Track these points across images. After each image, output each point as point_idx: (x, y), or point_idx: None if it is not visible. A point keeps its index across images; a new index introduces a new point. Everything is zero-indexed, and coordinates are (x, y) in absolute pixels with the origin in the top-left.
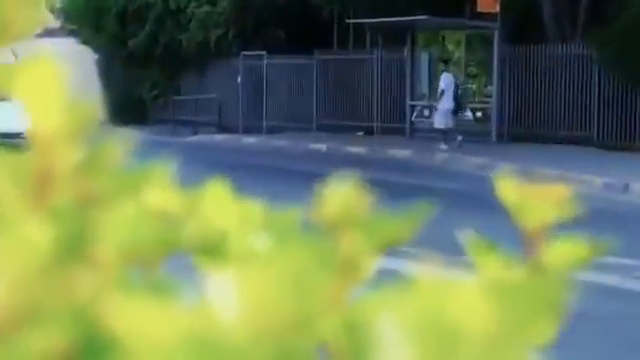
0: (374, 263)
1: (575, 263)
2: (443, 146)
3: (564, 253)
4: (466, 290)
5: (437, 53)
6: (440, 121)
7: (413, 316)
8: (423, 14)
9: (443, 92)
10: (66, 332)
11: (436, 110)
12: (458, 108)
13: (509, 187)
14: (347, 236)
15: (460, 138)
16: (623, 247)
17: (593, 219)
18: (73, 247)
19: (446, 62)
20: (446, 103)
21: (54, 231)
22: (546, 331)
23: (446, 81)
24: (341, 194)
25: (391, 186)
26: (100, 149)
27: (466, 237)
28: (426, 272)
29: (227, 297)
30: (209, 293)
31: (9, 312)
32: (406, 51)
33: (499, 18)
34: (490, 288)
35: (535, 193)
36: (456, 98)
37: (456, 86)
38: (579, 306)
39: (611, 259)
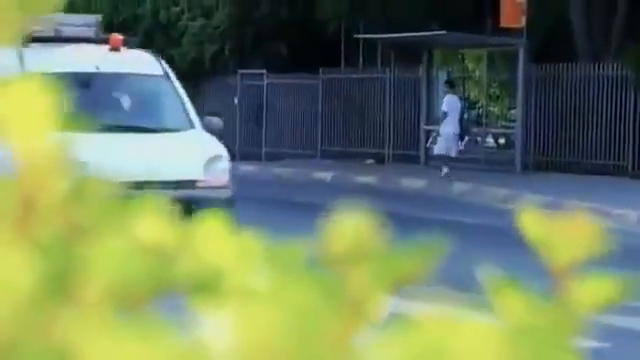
0: (384, 303)
1: (602, 304)
2: (445, 169)
3: (591, 293)
4: (475, 330)
5: (456, 72)
6: (441, 147)
7: (417, 356)
8: (440, 29)
9: (446, 115)
10: None
11: (439, 135)
12: (463, 133)
13: (534, 221)
14: (355, 273)
15: (446, 170)
16: None
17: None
18: (57, 284)
19: (450, 83)
20: (449, 127)
21: (37, 266)
22: None
23: (450, 103)
24: (350, 227)
25: (403, 220)
26: (89, 178)
27: (484, 274)
28: (435, 311)
29: (223, 338)
30: (203, 334)
31: None
32: (421, 70)
33: (525, 34)
34: (504, 328)
35: (562, 228)
36: (461, 122)
37: (462, 109)
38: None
39: None
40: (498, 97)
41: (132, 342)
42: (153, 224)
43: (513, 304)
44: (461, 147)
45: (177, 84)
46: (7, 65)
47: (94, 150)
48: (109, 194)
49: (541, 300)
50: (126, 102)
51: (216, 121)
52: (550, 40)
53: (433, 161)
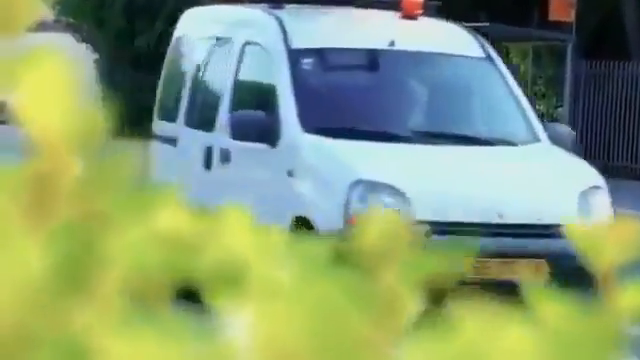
0: (417, 303)
1: None
2: None
3: (635, 300)
4: (514, 336)
5: None
6: None
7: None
8: (484, 21)
9: None
10: None
11: None
12: None
13: (578, 227)
14: (385, 272)
15: None
16: None
17: None
18: (72, 273)
19: None
20: None
21: (52, 255)
22: None
23: None
24: (379, 225)
25: None
26: (108, 163)
27: (525, 280)
28: (472, 317)
29: (244, 337)
30: (224, 332)
31: (4, 337)
32: None
33: (573, 28)
34: (543, 335)
35: (607, 233)
36: None
37: None
38: None
39: None
40: (544, 95)
41: (149, 340)
42: (174, 214)
43: (553, 311)
44: None
45: (505, 71)
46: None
47: (407, 170)
48: (129, 180)
49: (582, 308)
50: (436, 96)
51: (565, 130)
52: (600, 36)
53: None
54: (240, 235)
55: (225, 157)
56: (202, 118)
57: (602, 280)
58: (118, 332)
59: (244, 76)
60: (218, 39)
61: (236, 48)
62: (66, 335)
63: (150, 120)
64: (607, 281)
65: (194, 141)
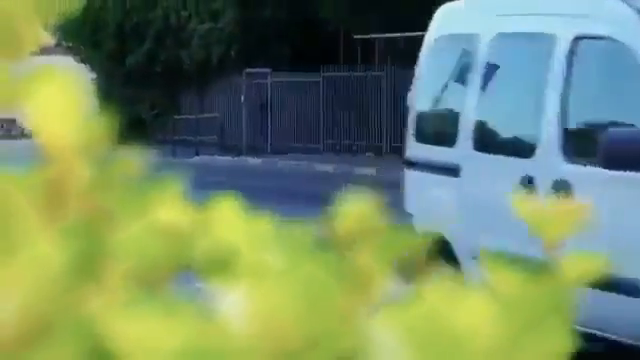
0: (388, 279)
1: (584, 277)
2: None
3: (578, 269)
4: (472, 303)
5: None
6: None
7: (418, 326)
8: None
9: None
10: (76, 349)
11: None
12: None
13: (528, 204)
14: (361, 252)
15: None
16: None
17: None
18: (85, 266)
19: None
20: None
21: (67, 250)
22: (555, 342)
23: None
24: (355, 211)
25: (400, 208)
26: (112, 166)
27: (482, 252)
28: (433, 288)
29: (238, 314)
30: (219, 310)
31: (21, 329)
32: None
33: None
34: (499, 301)
35: (552, 210)
36: None
37: None
38: None
39: None
40: None
41: (155, 319)
42: (171, 207)
43: (506, 278)
44: None
45: None
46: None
47: None
48: (131, 181)
49: (533, 274)
50: None
51: None
52: None
53: None
54: (231, 225)
55: (564, 190)
56: (507, 140)
57: (549, 250)
58: (126, 314)
59: (581, 81)
60: (517, 35)
61: (562, 46)
62: (83, 322)
63: (141, 130)
64: (554, 251)
65: (497, 170)
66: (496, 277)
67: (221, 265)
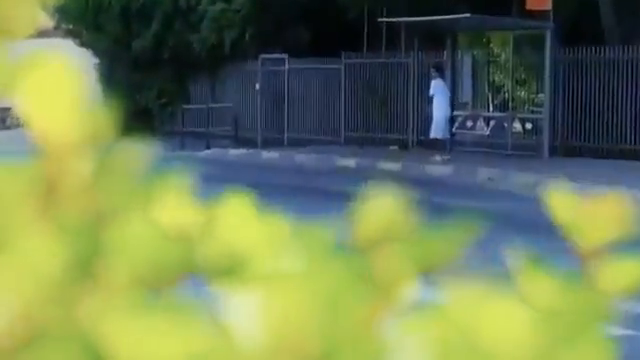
0: (413, 286)
1: (631, 287)
2: (438, 157)
3: (620, 276)
4: (503, 314)
5: (481, 56)
6: (437, 131)
7: (445, 336)
8: (465, 12)
9: (432, 98)
10: (72, 353)
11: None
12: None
13: (562, 203)
14: (384, 256)
15: (444, 155)
16: None
17: None
18: (83, 266)
19: (438, 68)
20: (440, 111)
21: (63, 249)
22: (593, 356)
23: (437, 87)
24: (379, 210)
25: (429, 206)
26: (112, 161)
27: (512, 256)
28: (462, 296)
29: (251, 321)
30: (229, 317)
31: (15, 331)
32: (446, 54)
33: (551, 16)
34: (531, 312)
35: (591, 210)
36: (452, 106)
37: (451, 93)
38: None
39: None
40: (525, 81)
41: (159, 326)
42: (177, 207)
43: (540, 288)
44: (453, 130)
45: None
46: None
47: None
48: (133, 177)
49: (569, 283)
50: None
51: None
52: (578, 23)
53: (461, 147)
54: (243, 225)
55: None
56: None
57: (589, 255)
58: (127, 319)
59: None
60: None
61: None
62: (80, 325)
63: (148, 121)
64: (594, 256)
65: None
66: (531, 285)
67: (232, 268)
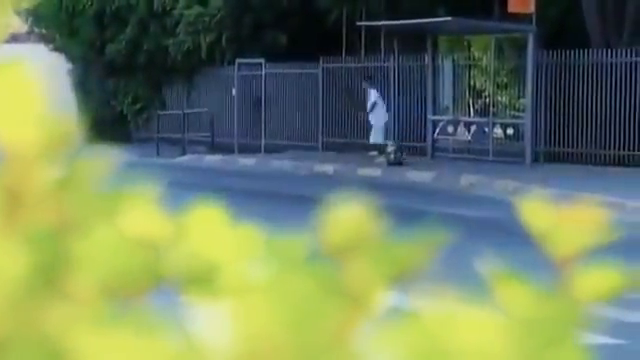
0: (384, 295)
1: (607, 295)
2: (380, 159)
3: (595, 285)
4: (476, 323)
5: (462, 60)
6: (376, 137)
7: (417, 347)
8: (445, 15)
9: (375, 105)
10: None
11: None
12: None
13: (537, 211)
14: (354, 265)
15: (384, 158)
16: None
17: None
18: (46, 277)
19: (370, 78)
20: (377, 118)
21: (26, 259)
22: None
23: (376, 95)
24: (349, 218)
25: (409, 213)
26: (77, 168)
27: (486, 266)
28: (436, 305)
29: (219, 332)
30: (198, 327)
31: None
32: (427, 58)
33: (534, 20)
34: (506, 321)
35: (565, 218)
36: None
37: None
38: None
39: None
40: (506, 86)
41: (125, 336)
42: (145, 216)
43: (515, 296)
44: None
45: None
46: None
47: None
48: (100, 185)
49: (544, 292)
50: None
51: None
52: (561, 26)
53: (443, 153)
54: (213, 234)
55: None
56: None
57: (564, 263)
58: (94, 328)
59: None
60: None
61: None
62: (44, 335)
63: (123, 127)
64: (569, 264)
65: None
66: (506, 293)
67: (202, 278)
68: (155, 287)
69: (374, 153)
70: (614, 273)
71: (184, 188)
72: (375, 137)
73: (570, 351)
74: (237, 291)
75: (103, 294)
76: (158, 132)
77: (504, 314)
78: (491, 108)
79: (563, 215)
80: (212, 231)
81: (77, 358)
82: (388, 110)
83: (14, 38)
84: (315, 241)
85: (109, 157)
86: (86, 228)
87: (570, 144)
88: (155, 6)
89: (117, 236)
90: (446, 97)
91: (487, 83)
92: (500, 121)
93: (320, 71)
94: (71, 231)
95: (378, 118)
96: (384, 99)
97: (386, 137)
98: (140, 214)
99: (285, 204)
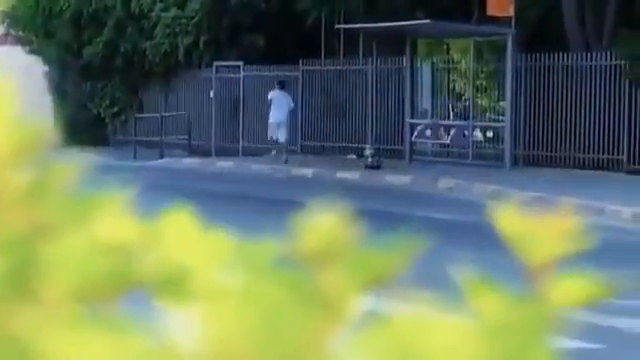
0: (358, 301)
1: (581, 302)
2: (284, 156)
3: (569, 291)
4: (449, 328)
5: (440, 63)
6: (274, 133)
7: (391, 352)
8: (424, 18)
9: (271, 103)
10: None
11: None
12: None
13: (509, 217)
14: (328, 271)
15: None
16: None
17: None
18: (17, 280)
19: (282, 84)
20: (277, 115)
21: None
22: None
23: (275, 95)
24: (323, 224)
25: (386, 217)
26: (49, 172)
27: (459, 271)
28: (409, 310)
29: (190, 336)
30: (169, 331)
31: None
32: (405, 61)
33: (513, 23)
34: (478, 326)
35: (539, 224)
36: (289, 114)
37: (290, 104)
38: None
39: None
40: (486, 89)
41: (95, 338)
42: (117, 220)
43: (488, 302)
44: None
45: None
46: None
47: None
48: (72, 189)
49: (516, 297)
50: None
51: None
52: (540, 29)
53: (421, 156)
54: (185, 240)
55: None
56: None
57: (537, 269)
58: (63, 331)
59: None
60: None
61: None
62: (15, 339)
63: (100, 130)
64: (540, 271)
65: None
66: (479, 299)
67: (173, 283)
68: (127, 292)
69: (352, 156)
70: (588, 280)
71: (161, 191)
72: (270, 132)
73: (540, 356)
74: (208, 296)
75: (74, 298)
76: (135, 135)
77: (476, 319)
78: (470, 111)
79: (537, 222)
80: (184, 236)
81: (47, 359)
82: (291, 110)
83: None
84: (289, 246)
85: (82, 161)
86: (57, 232)
87: (549, 147)
88: (132, 8)
89: (88, 241)
90: (425, 100)
91: (466, 86)
92: (479, 124)
93: (299, 74)
94: (42, 235)
95: (272, 115)
96: (292, 101)
97: (280, 134)
98: (112, 219)
99: (262, 207)
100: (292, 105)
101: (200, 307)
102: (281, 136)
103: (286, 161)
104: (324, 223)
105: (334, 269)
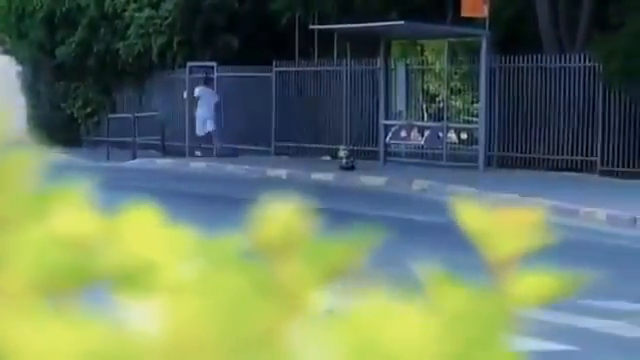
0: (318, 294)
1: (542, 298)
2: (198, 152)
3: (531, 287)
4: (407, 321)
5: (415, 64)
6: (200, 128)
7: (350, 343)
8: (398, 19)
9: (198, 99)
10: None
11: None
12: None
13: (472, 213)
14: (286, 262)
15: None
16: (632, 291)
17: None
18: None
19: (207, 80)
20: (202, 111)
21: None
22: None
23: (202, 91)
24: (281, 216)
25: (360, 219)
26: (8, 166)
27: (422, 267)
28: (365, 302)
29: (149, 328)
30: (129, 324)
31: None
32: (379, 62)
33: (487, 24)
34: (436, 319)
35: (502, 220)
36: (216, 109)
37: (217, 100)
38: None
39: (617, 304)
40: (460, 90)
41: (52, 328)
42: (76, 215)
43: (448, 295)
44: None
45: None
46: None
47: None
48: (30, 183)
49: (476, 292)
50: None
51: None
52: (514, 31)
53: (395, 157)
54: (145, 234)
55: None
56: None
57: (499, 266)
58: (21, 322)
59: None
60: None
61: None
62: None
63: (72, 130)
64: (505, 267)
65: None
66: (438, 292)
67: (133, 277)
68: (87, 285)
69: (327, 158)
70: (550, 277)
71: (130, 192)
72: (199, 130)
73: (498, 350)
74: (167, 289)
75: (32, 291)
76: (108, 136)
77: (434, 313)
78: (445, 112)
79: (499, 217)
80: (144, 231)
81: (3, 350)
82: (217, 104)
83: None
84: (247, 238)
85: (42, 156)
86: (16, 226)
87: (523, 149)
88: (106, 8)
89: (47, 234)
90: (399, 101)
91: (441, 87)
92: (454, 126)
93: (273, 75)
94: (0, 229)
95: (199, 112)
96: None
97: (208, 125)
98: (71, 213)
99: (235, 208)
100: (217, 99)
101: (158, 299)
102: (210, 126)
103: (218, 152)
104: (282, 216)
105: (291, 260)
